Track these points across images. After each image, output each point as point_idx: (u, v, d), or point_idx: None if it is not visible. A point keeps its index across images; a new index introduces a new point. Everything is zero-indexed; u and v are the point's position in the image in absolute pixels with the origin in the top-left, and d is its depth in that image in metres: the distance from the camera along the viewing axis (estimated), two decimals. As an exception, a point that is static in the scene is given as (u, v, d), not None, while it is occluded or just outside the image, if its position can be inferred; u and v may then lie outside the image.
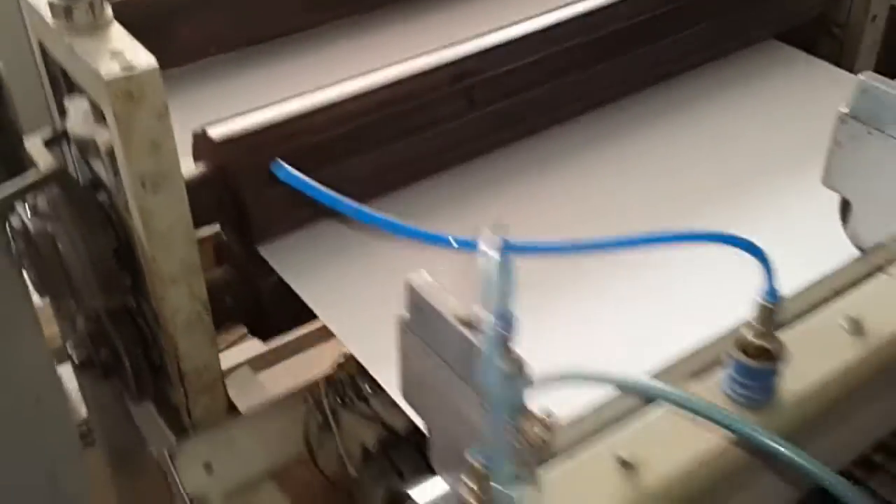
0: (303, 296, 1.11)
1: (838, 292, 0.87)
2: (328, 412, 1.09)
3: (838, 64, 1.59)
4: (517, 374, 0.66)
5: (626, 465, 0.71)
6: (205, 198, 1.06)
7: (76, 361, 1.09)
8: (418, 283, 0.73)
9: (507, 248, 0.57)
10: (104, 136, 0.89)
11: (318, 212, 1.12)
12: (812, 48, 1.62)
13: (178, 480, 1.05)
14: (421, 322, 0.74)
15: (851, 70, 1.56)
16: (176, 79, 1.43)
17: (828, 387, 0.78)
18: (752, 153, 1.36)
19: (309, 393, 1.12)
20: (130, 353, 1.07)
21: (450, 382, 0.72)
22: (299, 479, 1.11)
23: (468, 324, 0.70)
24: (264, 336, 1.23)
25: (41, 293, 1.03)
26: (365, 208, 0.63)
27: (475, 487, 0.62)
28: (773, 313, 0.71)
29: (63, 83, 1.01)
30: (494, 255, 0.52)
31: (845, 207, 1.10)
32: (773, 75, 1.55)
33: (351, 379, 1.11)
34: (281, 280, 1.14)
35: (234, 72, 1.46)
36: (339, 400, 1.11)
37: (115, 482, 1.63)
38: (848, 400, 0.80)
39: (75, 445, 1.71)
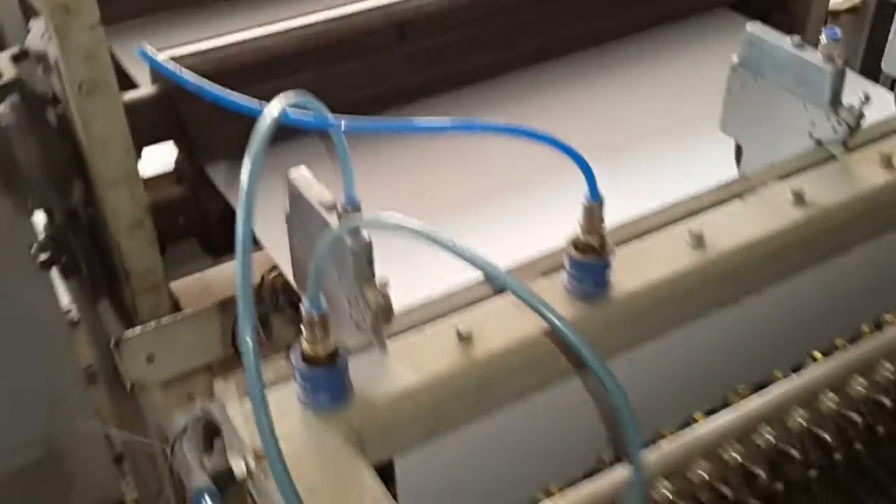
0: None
1: (693, 213, 0.96)
2: (259, 315, 1.21)
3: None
4: (362, 248, 0.78)
5: (463, 337, 0.82)
6: (154, 116, 1.19)
7: (38, 262, 1.22)
8: (295, 176, 0.85)
9: (322, 122, 0.68)
10: (53, 50, 1.02)
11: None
12: (766, 19, 1.69)
13: (121, 367, 1.17)
14: (297, 209, 0.86)
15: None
16: (159, 23, 1.57)
17: (659, 286, 0.88)
18: (680, 109, 1.45)
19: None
20: (86, 255, 1.20)
21: (311, 245, 0.82)
22: (233, 372, 1.22)
23: (329, 207, 0.81)
24: (215, 253, 1.36)
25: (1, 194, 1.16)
26: (213, 88, 0.75)
27: (310, 336, 0.73)
28: (596, 212, 0.81)
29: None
30: (273, 113, 0.63)
31: (738, 151, 1.19)
32: (722, 41, 1.63)
33: (285, 285, 1.23)
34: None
35: (214, 21, 1.58)
36: (273, 305, 1.23)
37: (115, 412, 1.77)
38: (681, 302, 0.90)
39: (79, 381, 1.86)
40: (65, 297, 1.79)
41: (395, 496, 0.81)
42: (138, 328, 1.18)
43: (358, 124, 0.71)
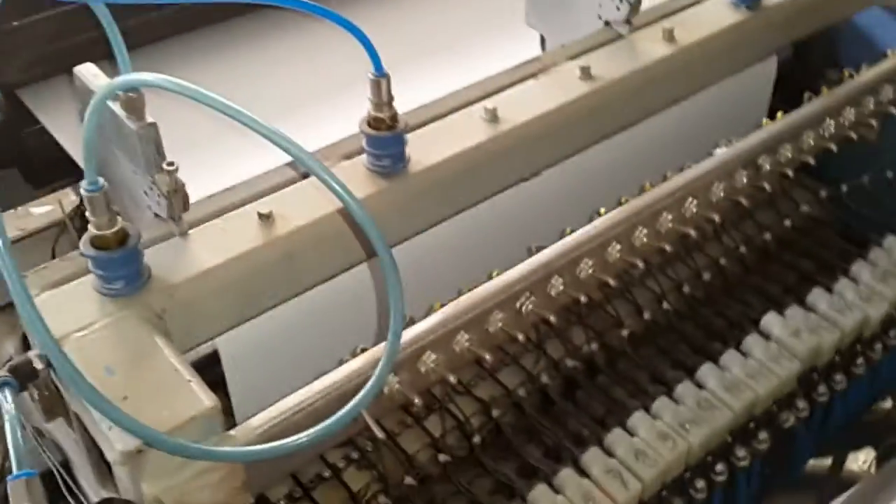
0: (59, 139, 1.21)
1: (489, 94, 1.00)
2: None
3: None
4: (147, 130, 0.78)
5: (264, 217, 0.84)
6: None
7: None
8: (82, 70, 0.84)
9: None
10: None
11: (75, 55, 1.20)
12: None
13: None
14: (85, 103, 0.85)
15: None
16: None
17: (456, 159, 0.92)
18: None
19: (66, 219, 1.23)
20: None
21: (108, 147, 0.83)
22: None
23: (112, 97, 0.81)
24: (37, 183, 1.33)
25: None
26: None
27: (94, 218, 0.74)
28: (382, 86, 0.84)
29: None
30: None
31: (543, 42, 1.24)
32: None
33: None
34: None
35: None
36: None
37: None
38: (479, 174, 0.94)
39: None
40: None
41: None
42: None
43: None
